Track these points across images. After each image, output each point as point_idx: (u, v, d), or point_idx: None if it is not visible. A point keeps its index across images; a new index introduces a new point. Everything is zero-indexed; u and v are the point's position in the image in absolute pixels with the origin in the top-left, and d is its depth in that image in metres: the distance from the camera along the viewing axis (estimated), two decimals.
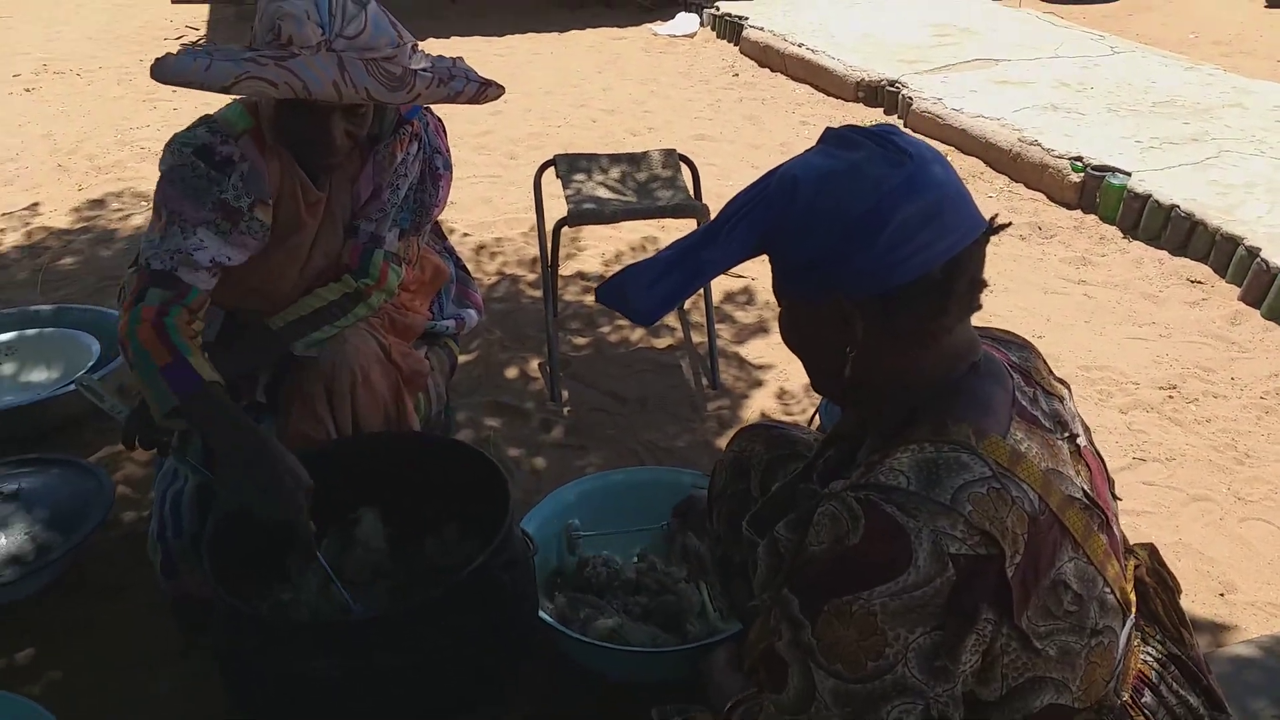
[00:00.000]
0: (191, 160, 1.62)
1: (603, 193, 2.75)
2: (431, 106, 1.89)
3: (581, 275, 3.45)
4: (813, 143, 1.09)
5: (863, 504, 0.97)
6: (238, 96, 1.62)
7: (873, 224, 0.99)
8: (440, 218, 3.72)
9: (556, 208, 2.71)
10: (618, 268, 3.53)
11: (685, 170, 2.91)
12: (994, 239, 3.37)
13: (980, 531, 0.95)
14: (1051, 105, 4.65)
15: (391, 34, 1.58)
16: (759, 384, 2.84)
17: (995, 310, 3.21)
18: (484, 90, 1.68)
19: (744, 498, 1.51)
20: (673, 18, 6.92)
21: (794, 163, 1.05)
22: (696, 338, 3.05)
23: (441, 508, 1.78)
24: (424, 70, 1.61)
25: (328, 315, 1.74)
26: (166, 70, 1.50)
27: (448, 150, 1.87)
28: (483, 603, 1.50)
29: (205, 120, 1.66)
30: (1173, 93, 4.86)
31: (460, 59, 1.74)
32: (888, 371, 1.07)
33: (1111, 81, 5.05)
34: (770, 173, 1.06)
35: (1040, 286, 3.32)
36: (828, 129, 1.08)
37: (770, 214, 1.03)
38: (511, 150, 4.57)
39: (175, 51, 1.52)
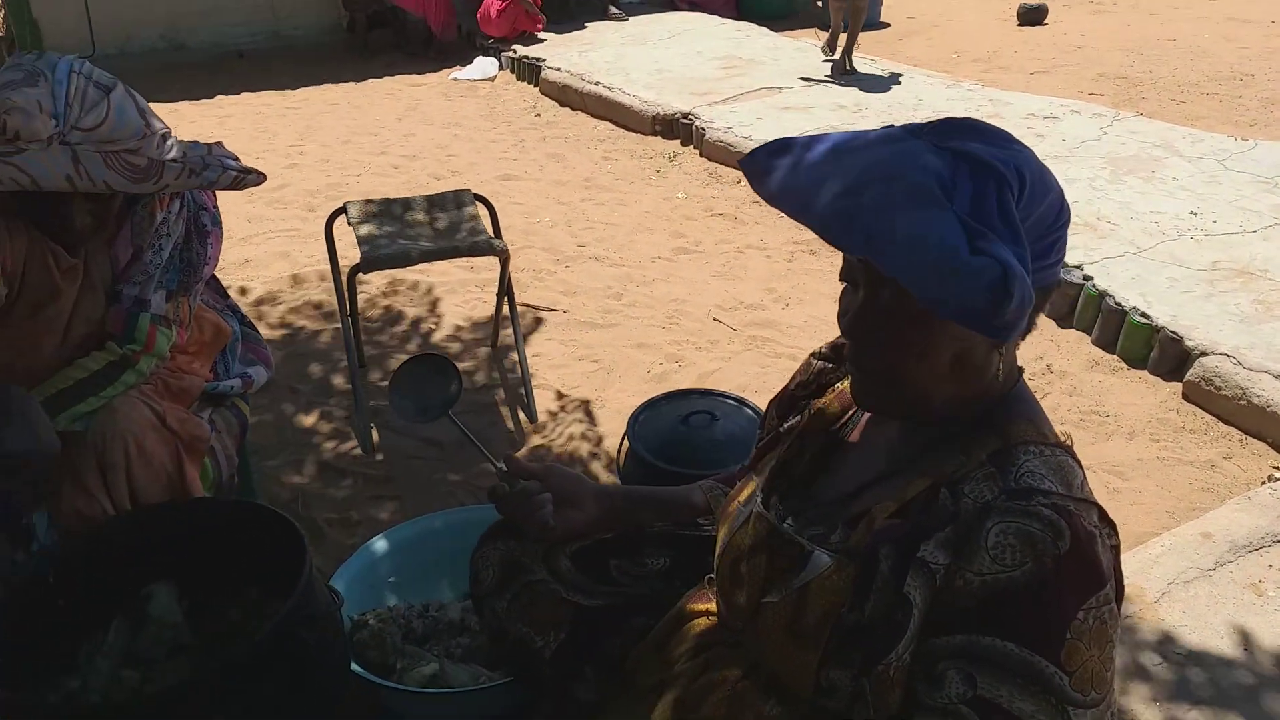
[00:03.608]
0: None
1: (397, 236, 2.73)
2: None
3: (389, 322, 3.40)
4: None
5: (1058, 511, 0.92)
6: None
7: (1066, 215, 0.98)
8: (236, 273, 3.62)
9: (356, 256, 2.67)
10: (426, 311, 3.54)
11: (483, 209, 2.93)
12: (788, 256, 3.57)
13: (1110, 523, 0.99)
14: (831, 127, 4.94)
15: (138, 124, 1.53)
16: (575, 414, 2.88)
17: (792, 322, 3.37)
18: (242, 178, 1.66)
19: (535, 586, 1.44)
20: (471, 63, 6.96)
21: (986, 151, 0.92)
22: (511, 375, 3.06)
23: (241, 573, 1.71)
24: (173, 161, 1.57)
25: (92, 385, 1.65)
26: None
27: (215, 206, 1.82)
28: (286, 663, 1.45)
29: None
30: (938, 108, 5.26)
31: (219, 144, 1.71)
32: (1002, 372, 1.04)
33: (884, 101, 5.43)
34: (960, 159, 0.92)
35: (831, 297, 3.51)
36: (949, 120, 0.98)
37: (1013, 205, 0.92)
38: (309, 202, 4.46)
39: None
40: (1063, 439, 1.05)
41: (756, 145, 1.05)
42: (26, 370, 1.65)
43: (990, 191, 0.90)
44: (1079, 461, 1.03)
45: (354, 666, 1.68)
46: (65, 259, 1.65)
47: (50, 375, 1.64)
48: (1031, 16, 8.32)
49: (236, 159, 1.70)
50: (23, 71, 1.47)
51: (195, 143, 1.69)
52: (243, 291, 3.56)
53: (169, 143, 1.60)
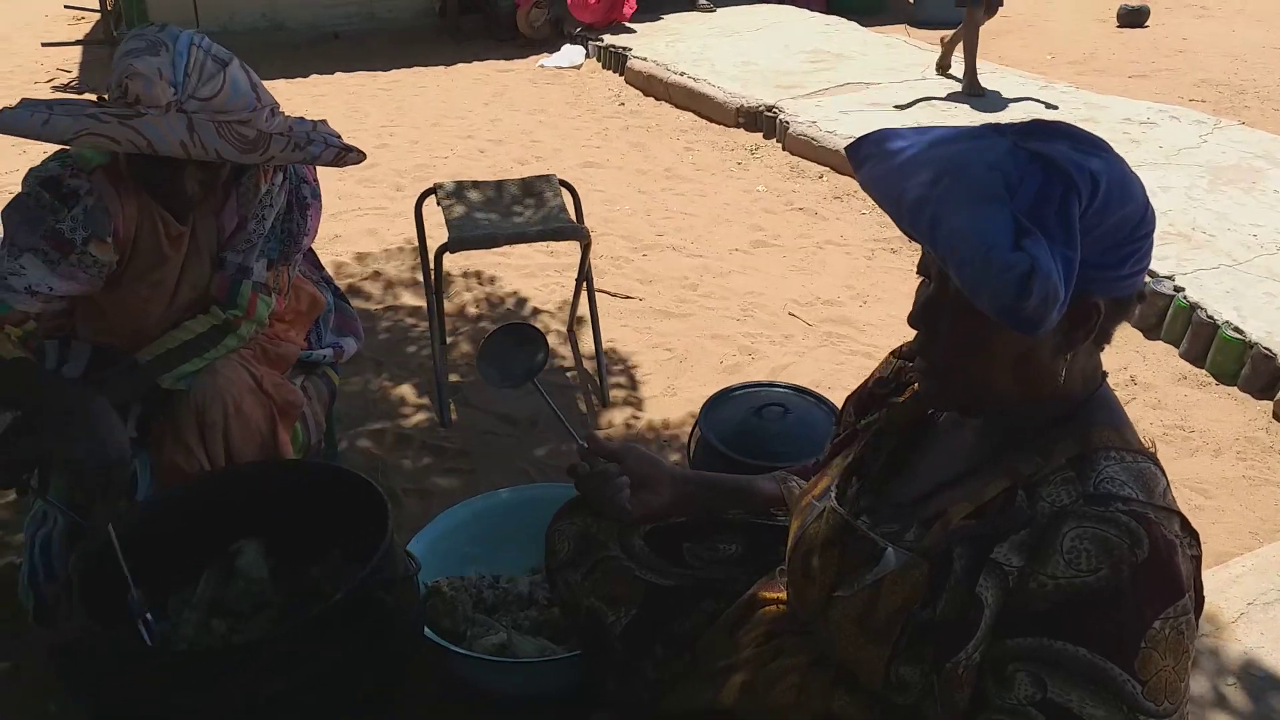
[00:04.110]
0: (37, 190, 1.60)
1: (484, 218, 2.79)
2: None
3: (470, 302, 3.47)
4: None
5: (1136, 518, 0.92)
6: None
7: (1146, 227, 0.98)
8: (325, 248, 3.73)
9: (442, 236, 2.74)
10: (506, 292, 3.61)
11: (567, 195, 2.97)
12: (868, 253, 3.55)
13: (1193, 533, 0.99)
14: (917, 124, 4.87)
15: (250, 97, 1.60)
16: (647, 400, 2.91)
17: (869, 320, 3.35)
18: (343, 155, 1.72)
19: (609, 562, 1.47)
20: (558, 50, 7.03)
21: (1065, 155, 0.93)
22: (585, 358, 3.10)
23: (324, 534, 1.78)
24: (280, 134, 1.64)
25: (196, 347, 1.73)
26: (3, 123, 1.48)
27: (315, 180, 1.89)
28: (364, 623, 1.51)
29: (60, 153, 1.65)
30: (1030, 110, 5.16)
31: (323, 122, 1.77)
32: (1074, 377, 1.04)
33: (974, 101, 5.33)
34: (1031, 160, 0.93)
35: (910, 296, 3.45)
36: (1040, 121, 0.99)
37: (1079, 210, 0.93)
38: (398, 182, 4.57)
39: (14, 104, 1.51)
40: (1147, 446, 1.05)
41: (861, 135, 1.07)
42: (136, 331, 1.74)
43: (1055, 194, 0.91)
44: (1163, 469, 1.02)
45: (426, 631, 1.74)
46: (174, 226, 1.74)
47: (158, 336, 1.73)
48: (1132, 18, 8.08)
49: (339, 137, 1.76)
50: (146, 41, 1.55)
51: (301, 119, 1.76)
52: (331, 266, 3.67)
53: (277, 117, 1.67)
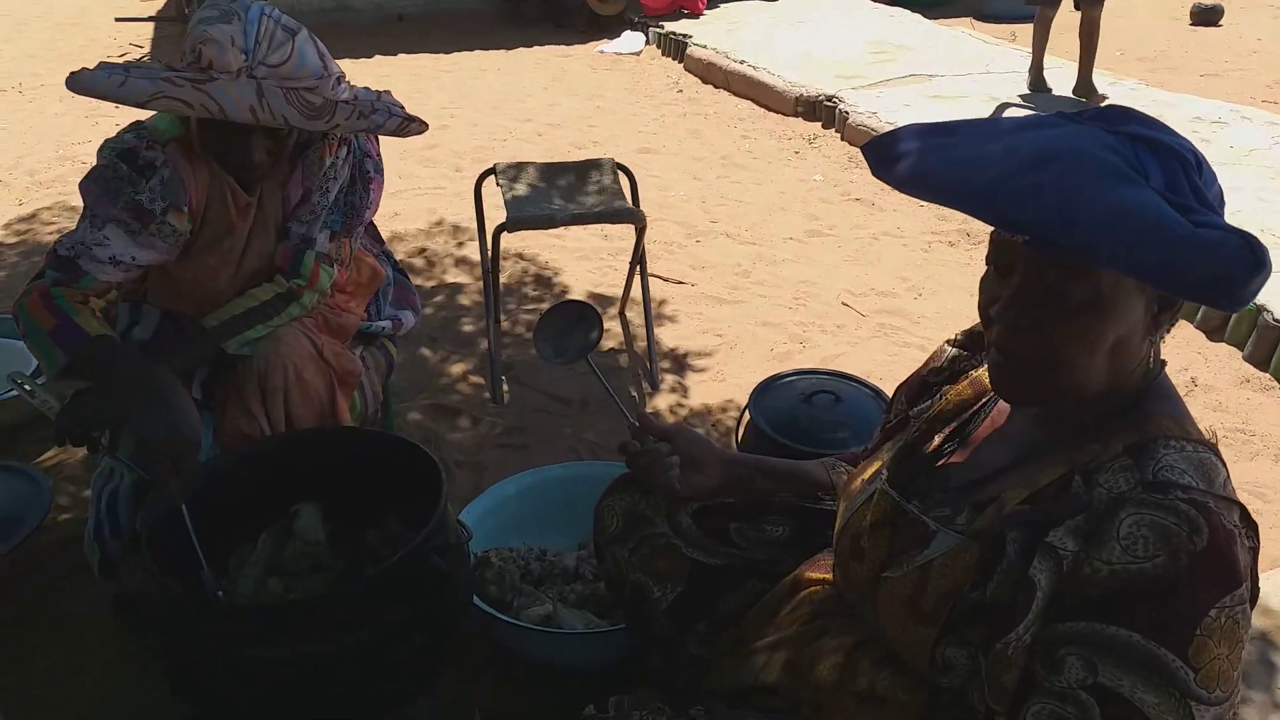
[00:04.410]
0: (114, 162, 1.66)
1: (542, 200, 2.81)
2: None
3: (524, 282, 3.51)
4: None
5: (1196, 506, 0.91)
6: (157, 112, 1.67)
7: (1224, 208, 0.98)
8: (385, 226, 3.80)
9: (499, 216, 2.78)
10: (559, 273, 3.64)
11: (623, 179, 2.99)
12: (924, 245, 3.50)
13: (1251, 524, 0.98)
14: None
15: (316, 65, 1.63)
16: (695, 384, 2.92)
17: (924, 312, 3.32)
18: (406, 125, 1.74)
19: (656, 539, 1.49)
20: (619, 36, 7.03)
21: (1158, 137, 0.93)
22: (636, 341, 3.12)
23: (380, 500, 1.82)
24: (345, 102, 1.67)
25: (261, 314, 1.78)
26: (81, 83, 1.53)
27: (378, 155, 1.92)
28: (416, 586, 1.54)
29: (135, 125, 1.71)
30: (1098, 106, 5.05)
31: (387, 93, 1.81)
32: (1149, 362, 1.03)
33: (1040, 98, 5.24)
34: (1132, 140, 0.92)
35: (967, 290, 3.44)
36: (1112, 107, 0.99)
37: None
38: (457, 163, 4.63)
39: (93, 67, 1.56)
40: (1207, 436, 1.03)
41: (881, 134, 1.04)
42: (204, 298, 1.80)
43: (1177, 173, 0.90)
44: (1223, 460, 1.00)
45: (475, 599, 1.77)
46: (242, 197, 1.78)
47: (225, 303, 1.78)
48: (1205, 16, 7.86)
49: (402, 107, 1.79)
50: (219, 10, 1.59)
51: (366, 89, 1.79)
52: (391, 242, 3.73)
53: (343, 85, 1.70)
